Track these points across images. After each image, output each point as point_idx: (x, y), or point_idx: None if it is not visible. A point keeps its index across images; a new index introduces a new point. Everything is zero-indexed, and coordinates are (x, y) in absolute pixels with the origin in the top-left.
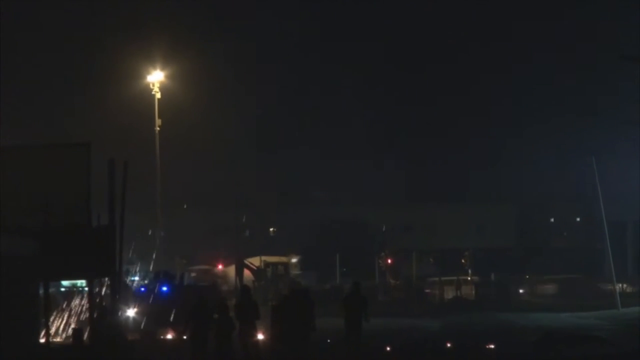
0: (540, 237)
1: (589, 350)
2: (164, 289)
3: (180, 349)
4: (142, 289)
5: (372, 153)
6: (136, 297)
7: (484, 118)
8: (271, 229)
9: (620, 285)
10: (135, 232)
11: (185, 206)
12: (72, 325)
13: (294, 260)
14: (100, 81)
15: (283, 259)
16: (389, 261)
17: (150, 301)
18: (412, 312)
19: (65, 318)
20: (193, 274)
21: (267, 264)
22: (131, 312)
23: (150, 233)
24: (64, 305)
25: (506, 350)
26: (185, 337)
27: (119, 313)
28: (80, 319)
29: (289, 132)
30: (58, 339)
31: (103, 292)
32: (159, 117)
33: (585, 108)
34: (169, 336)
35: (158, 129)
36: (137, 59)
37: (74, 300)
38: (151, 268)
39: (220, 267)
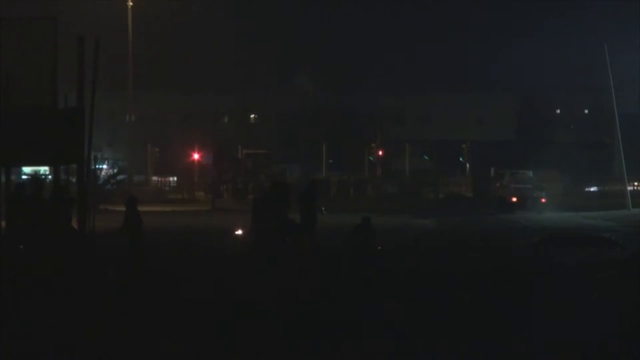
0: (545, 130)
1: (596, 253)
2: None
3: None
4: None
5: (366, 39)
6: None
7: (485, 1)
8: (252, 116)
9: (632, 185)
10: (106, 117)
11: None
12: None
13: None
14: None
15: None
16: (380, 153)
17: None
18: (405, 209)
19: None
20: None
21: (247, 155)
22: None
23: (129, 119)
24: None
25: (505, 253)
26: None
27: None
28: None
29: (276, 13)
30: None
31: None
32: None
33: None
34: None
35: (131, 4)
36: None
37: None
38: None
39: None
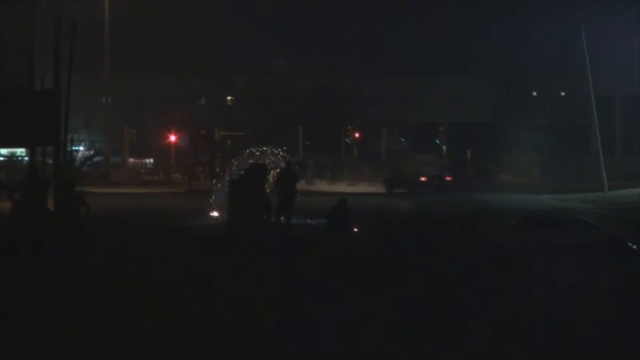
0: (521, 112)
1: (572, 235)
2: None
3: None
4: None
5: (343, 20)
6: None
7: None
8: (229, 98)
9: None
10: (83, 99)
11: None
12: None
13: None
14: None
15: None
16: (357, 135)
17: None
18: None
19: None
20: None
21: (225, 137)
22: None
23: (106, 101)
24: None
25: (481, 234)
26: None
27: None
28: None
29: None
30: None
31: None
32: None
33: None
34: None
35: None
36: None
37: None
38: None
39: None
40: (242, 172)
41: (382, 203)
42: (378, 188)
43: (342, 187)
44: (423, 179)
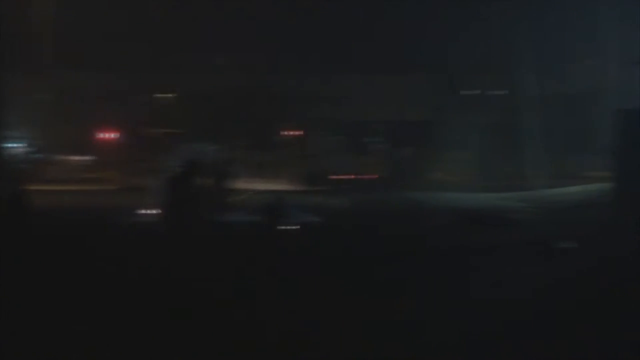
0: (457, 110)
1: (503, 235)
2: None
3: None
4: None
5: (282, 18)
6: None
7: None
8: (167, 95)
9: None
10: (20, 96)
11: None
12: None
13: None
14: None
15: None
16: (294, 133)
17: None
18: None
19: None
20: None
21: (162, 134)
22: None
23: (44, 97)
24: None
25: (411, 234)
26: None
27: None
28: None
29: None
30: None
31: None
32: None
33: None
34: None
35: None
36: None
37: None
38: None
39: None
40: (177, 169)
41: (317, 201)
42: (296, 185)
43: (258, 185)
44: (344, 177)
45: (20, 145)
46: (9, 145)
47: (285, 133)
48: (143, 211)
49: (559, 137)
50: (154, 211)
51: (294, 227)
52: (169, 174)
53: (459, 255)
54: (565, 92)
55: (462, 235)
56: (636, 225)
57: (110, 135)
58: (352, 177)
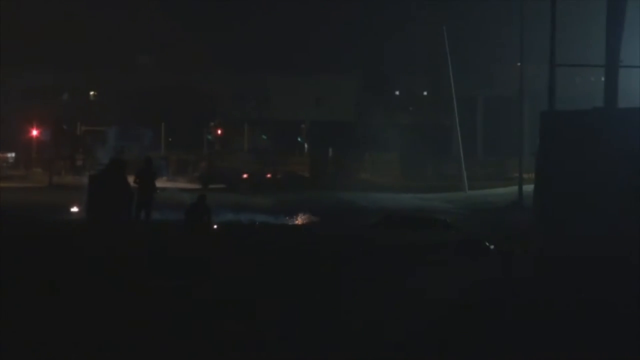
0: (384, 111)
1: (431, 235)
2: None
3: None
4: None
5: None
6: None
7: None
8: (92, 93)
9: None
10: None
11: None
12: None
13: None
14: None
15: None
16: (219, 132)
17: None
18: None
19: None
20: None
21: (87, 132)
22: None
23: None
24: None
25: (342, 232)
26: None
27: None
28: None
29: None
30: None
31: None
32: None
33: None
34: None
35: None
36: None
37: None
38: None
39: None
40: (101, 168)
41: (239, 200)
42: (220, 184)
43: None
44: (245, 175)
45: None
46: None
47: (212, 132)
48: (71, 209)
49: (489, 138)
50: (80, 208)
51: (216, 225)
52: (92, 172)
53: (385, 255)
54: (496, 94)
55: (388, 234)
56: (556, 227)
57: (34, 132)
58: (277, 176)
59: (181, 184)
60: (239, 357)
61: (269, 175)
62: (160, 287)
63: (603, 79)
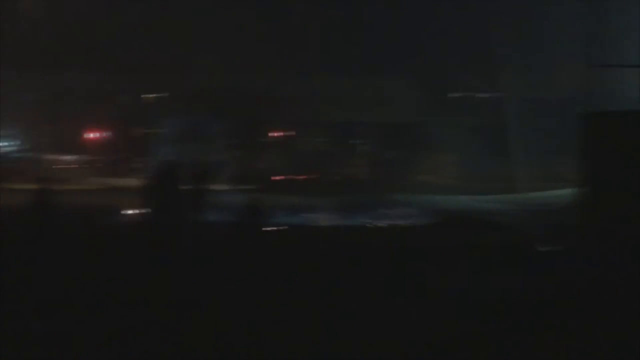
0: (449, 112)
1: (488, 237)
2: None
3: None
4: None
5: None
6: None
7: None
8: (150, 95)
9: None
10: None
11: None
12: None
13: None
14: None
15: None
16: (280, 135)
17: None
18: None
19: None
20: None
21: (145, 134)
22: None
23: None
24: None
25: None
26: None
27: None
28: None
29: None
30: None
31: None
32: None
33: None
34: None
35: None
36: None
37: None
38: None
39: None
40: (157, 170)
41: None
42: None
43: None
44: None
45: (9, 144)
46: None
47: (271, 134)
48: (129, 211)
49: (546, 139)
50: (139, 211)
51: (278, 228)
52: (150, 175)
53: (442, 256)
54: (553, 96)
55: (445, 236)
56: (604, 229)
57: (97, 135)
58: (338, 177)
59: (239, 186)
60: None
61: (328, 177)
62: None
63: None
